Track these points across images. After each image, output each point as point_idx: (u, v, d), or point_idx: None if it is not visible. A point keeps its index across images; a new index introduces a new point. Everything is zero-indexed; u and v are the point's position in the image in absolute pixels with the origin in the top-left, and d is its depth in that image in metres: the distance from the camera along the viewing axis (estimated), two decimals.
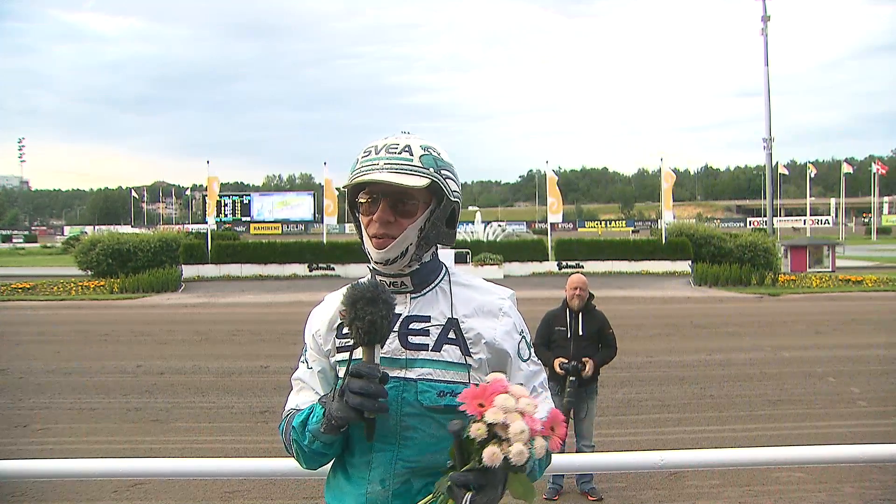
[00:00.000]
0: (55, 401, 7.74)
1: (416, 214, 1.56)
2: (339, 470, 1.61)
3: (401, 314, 1.55)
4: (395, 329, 1.52)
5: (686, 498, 4.92)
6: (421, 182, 1.53)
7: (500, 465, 1.26)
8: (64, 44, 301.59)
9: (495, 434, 1.28)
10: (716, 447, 5.45)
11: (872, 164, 62.27)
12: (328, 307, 1.67)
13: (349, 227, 41.57)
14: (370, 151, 1.57)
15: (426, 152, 1.57)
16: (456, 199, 1.62)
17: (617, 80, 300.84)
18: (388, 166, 1.53)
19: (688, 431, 6.48)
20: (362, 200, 1.58)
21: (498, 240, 28.12)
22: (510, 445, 1.26)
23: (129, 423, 6.89)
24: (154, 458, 5.41)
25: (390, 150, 1.55)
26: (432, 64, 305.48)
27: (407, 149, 1.56)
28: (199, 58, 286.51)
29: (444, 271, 1.66)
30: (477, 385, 1.34)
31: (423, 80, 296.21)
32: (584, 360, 5.01)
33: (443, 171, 1.58)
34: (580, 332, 5.16)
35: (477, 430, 1.27)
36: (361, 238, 1.61)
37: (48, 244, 60.67)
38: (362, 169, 1.55)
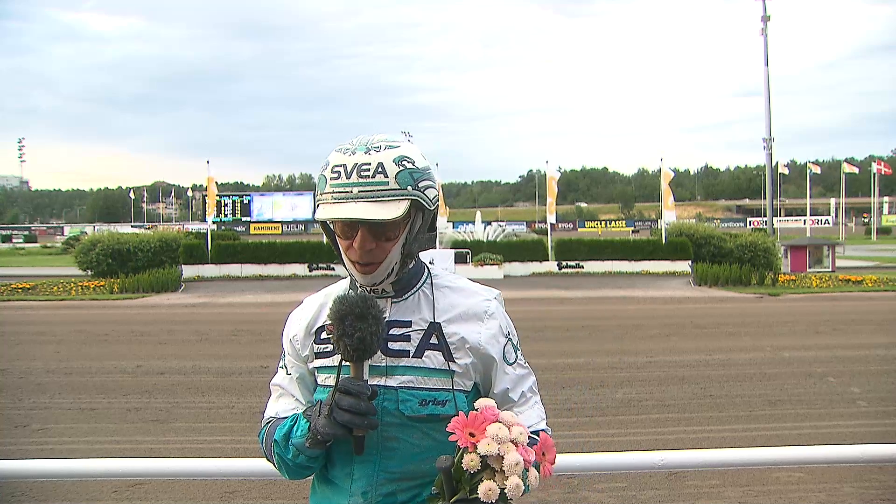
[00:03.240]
0: (55, 401, 7.74)
1: (398, 235, 1.46)
2: (321, 480, 1.57)
3: None
4: None
5: (686, 498, 4.91)
6: (400, 211, 1.41)
7: (496, 499, 1.24)
8: (63, 43, 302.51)
9: (488, 465, 1.25)
10: (716, 447, 5.45)
11: (872, 164, 62.21)
12: (306, 311, 1.60)
13: None
14: (339, 173, 1.42)
15: (401, 167, 1.43)
16: (436, 205, 1.52)
17: (617, 80, 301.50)
18: (364, 195, 1.40)
19: (688, 431, 6.48)
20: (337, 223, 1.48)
21: (498, 240, 28.11)
22: (506, 479, 1.23)
23: (129, 423, 6.89)
24: (154, 458, 5.41)
25: (362, 174, 1.41)
26: (432, 64, 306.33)
27: (380, 169, 1.41)
28: (199, 58, 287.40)
29: (426, 274, 1.58)
30: (465, 412, 1.31)
31: (422, 80, 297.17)
32: None
33: (421, 184, 1.45)
34: None
35: (471, 462, 1.25)
36: (340, 256, 1.51)
37: (48, 244, 60.64)
38: (334, 195, 1.42)
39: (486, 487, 1.23)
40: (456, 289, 1.57)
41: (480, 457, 1.24)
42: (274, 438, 1.52)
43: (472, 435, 1.26)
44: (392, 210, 1.41)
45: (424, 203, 1.47)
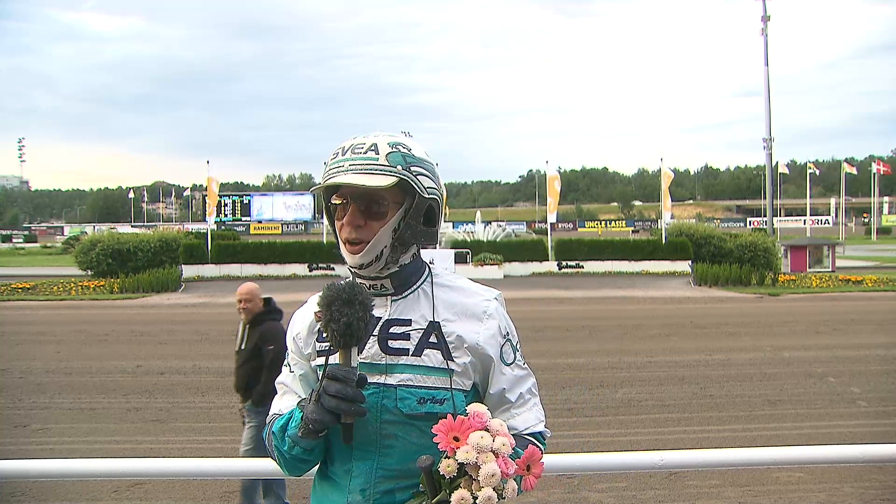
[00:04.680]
0: (55, 401, 7.74)
1: (387, 216, 1.50)
2: (322, 478, 1.58)
3: (381, 318, 1.51)
4: (374, 333, 1.48)
5: (686, 498, 4.92)
6: (386, 181, 1.46)
7: None
8: (63, 43, 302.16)
9: (465, 473, 1.25)
10: (716, 447, 5.46)
11: (872, 164, 62.21)
12: (309, 310, 1.61)
13: None
14: (337, 153, 1.52)
15: (394, 150, 1.50)
16: (431, 196, 1.54)
17: (617, 80, 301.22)
18: (353, 167, 1.48)
19: (688, 431, 6.48)
20: (336, 202, 1.53)
21: (498, 240, 28.12)
22: (479, 489, 1.24)
23: (129, 423, 6.90)
24: (154, 458, 5.41)
25: (356, 151, 1.50)
26: (432, 64, 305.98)
27: (373, 148, 1.50)
28: (199, 58, 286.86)
29: (426, 272, 1.59)
30: (454, 414, 1.31)
31: (422, 80, 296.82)
32: None
33: (413, 168, 1.51)
34: (242, 346, 4.84)
35: (447, 468, 1.26)
36: (337, 242, 1.57)
37: (48, 244, 60.63)
38: (329, 172, 1.51)
39: (459, 496, 1.24)
40: (456, 288, 1.58)
41: (458, 463, 1.25)
42: (272, 431, 1.54)
43: (456, 439, 1.26)
44: (378, 180, 1.47)
45: (416, 187, 1.51)
